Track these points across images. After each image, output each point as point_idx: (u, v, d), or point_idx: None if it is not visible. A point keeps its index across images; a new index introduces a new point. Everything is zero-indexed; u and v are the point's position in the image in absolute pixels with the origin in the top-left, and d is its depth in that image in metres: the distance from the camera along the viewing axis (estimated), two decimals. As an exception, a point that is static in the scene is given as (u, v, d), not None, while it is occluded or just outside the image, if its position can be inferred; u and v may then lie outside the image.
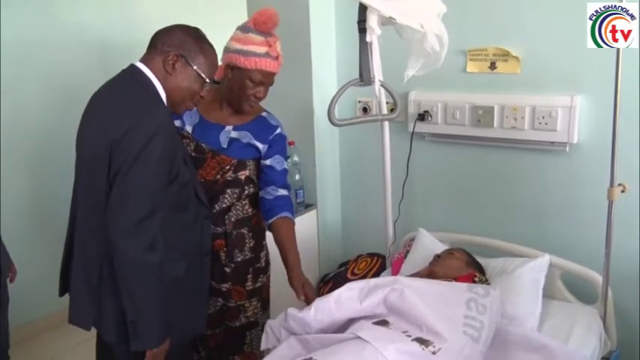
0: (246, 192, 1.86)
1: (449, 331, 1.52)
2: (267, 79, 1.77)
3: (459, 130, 2.27)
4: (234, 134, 1.83)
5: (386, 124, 2.19)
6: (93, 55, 2.76)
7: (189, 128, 1.81)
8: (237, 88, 1.76)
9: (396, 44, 1.80)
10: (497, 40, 2.15)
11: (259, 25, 1.72)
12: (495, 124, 2.17)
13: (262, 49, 1.72)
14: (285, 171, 1.91)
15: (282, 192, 1.88)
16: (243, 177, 1.83)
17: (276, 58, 1.76)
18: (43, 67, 2.70)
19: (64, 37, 2.80)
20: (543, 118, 2.07)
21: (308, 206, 2.63)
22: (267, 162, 1.87)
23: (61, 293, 1.67)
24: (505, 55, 2.14)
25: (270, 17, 1.72)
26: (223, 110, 1.84)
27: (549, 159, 2.14)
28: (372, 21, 1.51)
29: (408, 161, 2.36)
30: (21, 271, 2.11)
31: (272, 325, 1.72)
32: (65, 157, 1.57)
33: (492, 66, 2.18)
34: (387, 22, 1.66)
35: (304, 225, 2.60)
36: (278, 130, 1.89)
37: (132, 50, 1.56)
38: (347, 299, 1.63)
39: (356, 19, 1.74)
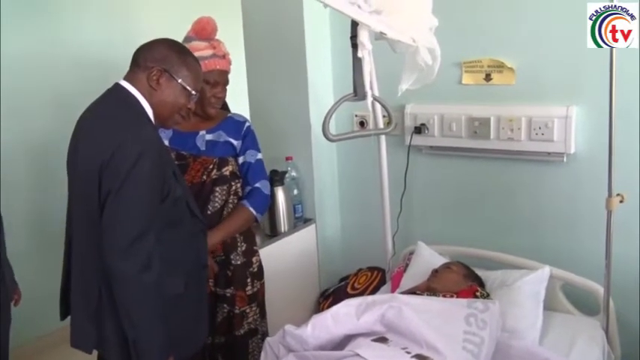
0: (234, 187, 1.94)
1: (449, 348, 1.51)
2: (220, 77, 1.88)
3: (456, 142, 2.27)
4: (208, 137, 1.92)
5: (382, 138, 2.19)
6: (94, 72, 2.77)
7: (165, 142, 1.87)
8: None
9: (391, 58, 1.80)
10: (492, 51, 2.15)
11: (199, 32, 1.85)
12: (492, 135, 2.16)
13: (208, 52, 1.83)
14: (260, 162, 1.99)
15: (255, 186, 1.95)
16: (227, 172, 1.92)
17: (224, 57, 1.88)
18: (44, 83, 2.72)
19: (66, 54, 2.83)
20: (540, 128, 2.06)
21: (307, 221, 2.62)
22: (241, 159, 1.97)
23: (62, 317, 1.67)
24: (500, 67, 2.14)
25: (207, 23, 1.85)
26: (192, 119, 1.89)
27: (547, 169, 2.13)
28: (364, 36, 1.51)
29: (405, 174, 2.35)
30: (23, 289, 2.10)
31: (270, 342, 1.72)
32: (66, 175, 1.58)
33: (487, 77, 2.18)
34: (379, 36, 1.66)
35: (303, 240, 2.60)
36: (247, 124, 2.00)
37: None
38: (344, 316, 1.63)
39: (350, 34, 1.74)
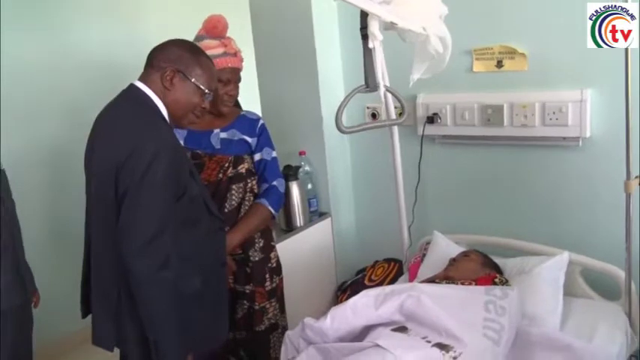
0: (250, 184, 1.94)
1: (469, 335, 1.51)
2: (232, 75, 1.88)
3: (469, 131, 2.25)
4: (223, 135, 1.92)
5: (395, 128, 2.18)
6: (100, 76, 2.80)
7: (180, 141, 1.86)
8: None
9: (402, 48, 1.79)
10: (503, 37, 2.13)
11: (210, 31, 1.85)
12: (505, 122, 2.15)
13: (219, 50, 1.83)
14: (275, 159, 2.00)
15: (272, 184, 1.96)
16: (243, 170, 1.92)
17: (235, 54, 1.88)
18: (52, 87, 2.75)
19: (72, 58, 2.86)
20: (554, 113, 2.04)
21: (322, 214, 2.63)
22: (257, 156, 1.97)
23: (84, 315, 1.70)
24: (511, 53, 2.12)
25: (218, 21, 1.84)
26: (205, 117, 1.89)
27: (562, 154, 2.11)
28: (374, 27, 1.50)
29: (419, 165, 2.34)
30: (44, 290, 2.13)
31: (290, 335, 1.73)
32: (80, 177, 1.60)
33: (499, 64, 2.16)
34: (389, 27, 1.65)
35: (319, 233, 2.61)
36: (261, 122, 2.00)
37: (138, 70, 1.59)
38: (363, 306, 1.63)
39: (359, 25, 1.74)
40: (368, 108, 2.53)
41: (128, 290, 1.46)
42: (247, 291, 1.96)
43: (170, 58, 1.54)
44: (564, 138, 2.07)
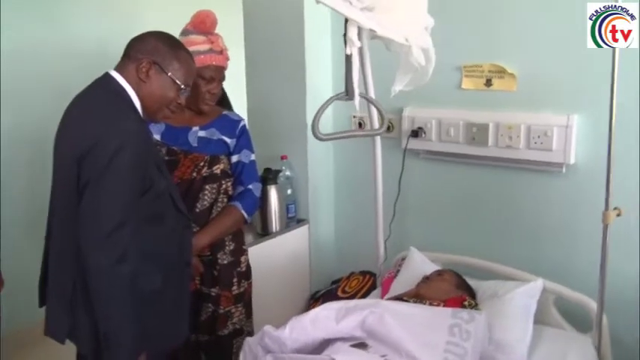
0: (224, 186, 1.90)
1: (428, 357, 1.47)
2: (216, 74, 1.83)
3: (453, 148, 2.22)
4: (201, 133, 1.87)
5: (378, 140, 2.14)
6: (94, 64, 2.77)
7: (157, 137, 1.84)
8: (191, 88, 1.77)
9: (391, 58, 1.77)
10: (493, 56, 2.09)
11: (197, 25, 1.80)
12: (490, 142, 2.11)
13: (205, 47, 1.79)
14: (253, 163, 1.97)
15: (248, 187, 1.92)
16: (218, 171, 1.87)
17: (221, 52, 1.83)
18: (44, 75, 2.73)
19: (66, 46, 2.84)
20: (539, 137, 2.00)
21: (300, 221, 2.59)
22: (235, 158, 1.93)
23: (41, 304, 1.65)
24: (501, 72, 2.08)
25: (207, 16, 1.80)
26: (185, 114, 1.87)
27: (545, 180, 2.07)
28: (352, 33, 1.46)
29: (400, 179, 2.30)
30: (20, 275, 2.08)
31: (250, 342, 1.69)
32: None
33: (488, 83, 2.12)
34: (375, 35, 1.62)
35: (296, 240, 2.57)
36: (242, 123, 1.96)
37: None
38: (323, 319, 1.59)
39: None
40: (354, 117, 2.49)
41: (84, 282, 1.42)
42: (213, 294, 1.91)
43: (147, 50, 1.50)
44: (548, 163, 2.03)
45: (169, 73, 1.51)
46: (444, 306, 1.76)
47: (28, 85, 2.72)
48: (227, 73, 1.90)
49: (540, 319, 1.90)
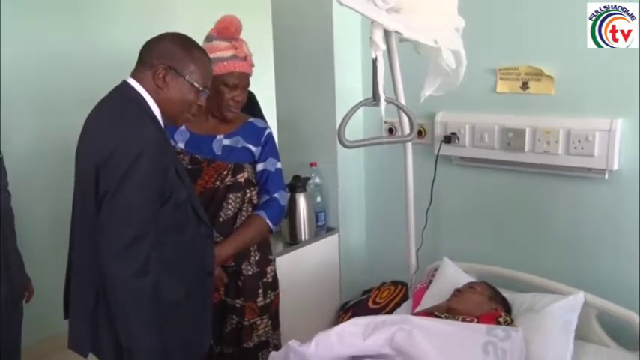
0: (248, 195, 1.86)
1: (461, 378, 1.39)
2: (240, 80, 1.80)
3: (488, 154, 2.12)
4: (226, 142, 1.85)
5: (409, 146, 2.08)
6: (126, 71, 2.81)
7: (181, 145, 1.83)
8: (215, 96, 1.76)
9: (422, 61, 1.70)
10: (530, 58, 2.00)
11: (221, 31, 1.77)
12: (527, 148, 2.01)
13: (228, 53, 1.76)
14: (279, 171, 1.93)
15: (273, 196, 1.88)
16: (242, 180, 1.84)
17: (245, 58, 1.80)
18: (76, 83, 2.77)
19: (98, 54, 2.87)
20: (579, 142, 1.90)
21: (330, 230, 2.53)
22: (260, 166, 1.89)
23: (66, 316, 1.65)
24: (538, 75, 1.99)
25: (230, 22, 1.77)
26: (210, 122, 1.86)
27: (586, 187, 1.96)
28: (377, 36, 1.40)
29: (432, 186, 2.22)
30: (43, 284, 2.10)
31: (274, 357, 1.64)
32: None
33: (524, 86, 2.03)
34: (403, 38, 1.56)
35: (325, 249, 2.52)
36: (267, 131, 1.93)
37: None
38: (350, 335, 1.53)
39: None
40: (386, 123, 2.43)
41: (106, 295, 1.41)
42: (237, 305, 1.88)
43: (161, 54, 1.48)
44: (589, 169, 1.92)
45: (186, 77, 1.48)
46: (477, 322, 1.68)
47: (61, 94, 2.75)
48: (256, 79, 1.87)
49: (581, 335, 1.80)
